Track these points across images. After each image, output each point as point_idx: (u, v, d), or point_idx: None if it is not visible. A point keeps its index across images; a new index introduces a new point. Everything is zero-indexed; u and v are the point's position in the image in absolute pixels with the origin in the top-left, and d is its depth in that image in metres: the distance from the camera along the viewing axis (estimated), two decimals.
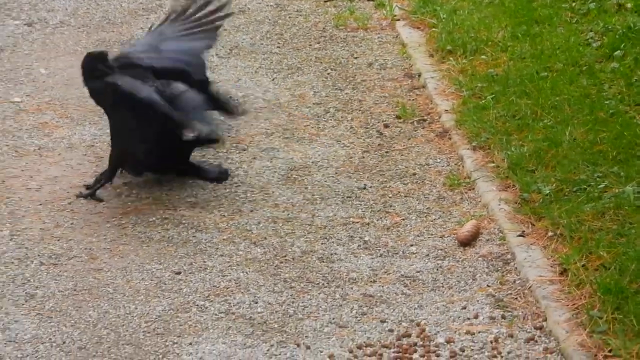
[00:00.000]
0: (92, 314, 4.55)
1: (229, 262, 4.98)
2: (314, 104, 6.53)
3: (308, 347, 4.36)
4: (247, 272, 4.89)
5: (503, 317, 4.53)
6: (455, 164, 5.81)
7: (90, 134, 6.09)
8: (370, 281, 4.85)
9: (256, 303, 4.66)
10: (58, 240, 5.10)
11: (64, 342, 4.37)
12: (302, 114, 6.40)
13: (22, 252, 4.99)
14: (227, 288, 4.78)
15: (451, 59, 6.82)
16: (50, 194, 5.49)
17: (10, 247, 5.03)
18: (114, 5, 7.88)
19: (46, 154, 5.89)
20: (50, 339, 4.39)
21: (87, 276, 4.83)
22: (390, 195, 5.56)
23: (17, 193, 5.50)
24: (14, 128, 6.15)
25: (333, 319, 4.56)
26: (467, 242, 5.11)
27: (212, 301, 4.67)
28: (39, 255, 4.97)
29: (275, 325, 4.52)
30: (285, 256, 5.03)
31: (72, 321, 4.51)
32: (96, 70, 5.39)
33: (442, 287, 4.79)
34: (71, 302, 4.63)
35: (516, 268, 4.85)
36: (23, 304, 4.62)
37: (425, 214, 5.39)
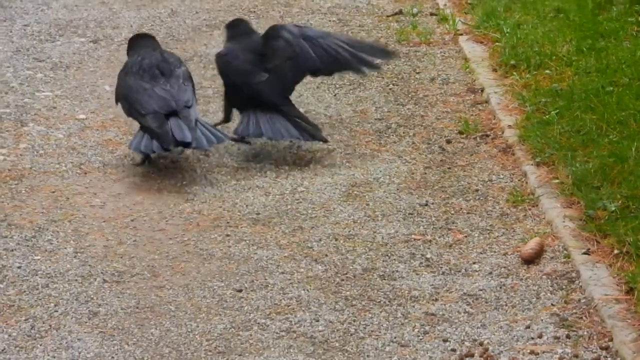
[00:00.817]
0: (154, 332, 4.57)
1: (290, 279, 4.97)
2: (375, 119, 6.51)
3: None
4: (308, 290, 4.88)
5: (568, 336, 4.46)
6: (518, 180, 5.75)
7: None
8: (432, 299, 4.81)
9: (317, 321, 4.65)
10: (121, 257, 5.14)
11: None
12: (363, 129, 6.38)
13: (86, 270, 5.03)
14: (288, 306, 4.77)
15: (515, 73, 6.76)
16: (113, 211, 5.54)
17: (74, 265, 5.07)
18: (178, 22, 7.95)
19: (110, 171, 5.94)
20: (112, 357, 4.42)
21: (149, 294, 4.85)
22: (452, 212, 5.52)
23: (81, 210, 5.55)
24: (79, 145, 6.21)
25: (395, 338, 4.53)
26: (531, 260, 5.04)
27: (273, 319, 4.66)
28: (102, 272, 5.01)
29: (337, 344, 4.50)
30: (346, 274, 5.02)
31: (135, 339, 4.53)
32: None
33: (506, 305, 4.74)
34: (133, 320, 4.66)
35: (581, 286, 4.78)
36: (86, 322, 4.65)
37: (488, 231, 5.34)
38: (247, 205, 5.60)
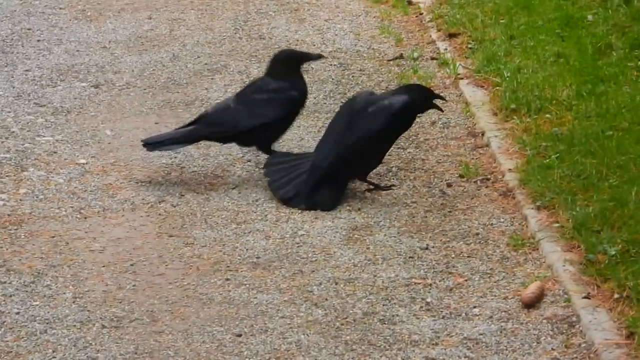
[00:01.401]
0: None
1: (289, 324, 4.95)
2: None
3: None
4: (308, 335, 4.86)
5: None
6: (519, 224, 5.74)
7: (154, 195, 6.14)
8: (433, 344, 4.79)
9: None
10: (120, 302, 5.12)
11: None
12: None
13: (85, 315, 5.02)
14: (288, 351, 4.75)
15: (515, 117, 6.77)
16: (113, 255, 5.53)
17: (72, 310, 5.06)
18: (179, 66, 7.99)
19: (110, 215, 5.94)
20: None
21: (148, 339, 4.83)
22: (452, 256, 5.51)
23: (81, 255, 5.55)
24: (79, 189, 6.22)
25: None
26: (532, 304, 5.03)
27: None
28: (101, 318, 5.00)
29: None
30: (346, 318, 5.00)
31: None
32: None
33: (506, 350, 4.71)
34: None
35: (581, 331, 4.76)
36: None
37: (489, 275, 5.32)
38: (247, 249, 5.59)
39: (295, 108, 6.42)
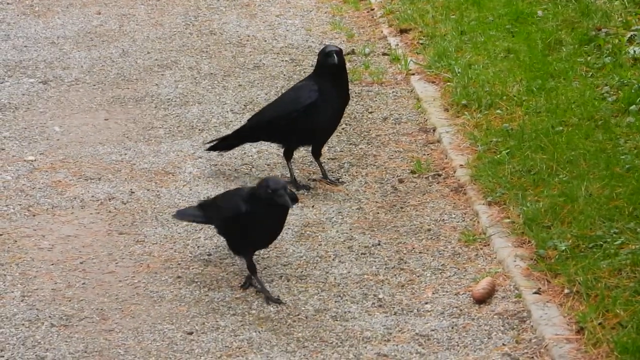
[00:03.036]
0: None
1: (241, 321, 4.93)
2: (328, 159, 6.50)
3: None
4: (259, 332, 4.84)
5: None
6: (470, 220, 5.76)
7: (104, 192, 6.08)
8: (385, 340, 4.79)
9: None
10: (69, 300, 5.07)
11: None
12: (316, 169, 6.36)
13: (33, 314, 4.96)
14: (240, 348, 4.72)
15: (466, 113, 6.79)
16: (62, 253, 5.47)
17: (21, 309, 4.99)
18: (129, 62, 7.91)
19: (59, 212, 5.87)
20: None
21: (98, 337, 4.78)
22: (404, 252, 5.51)
23: (29, 253, 5.48)
24: (27, 187, 6.14)
25: None
26: (483, 300, 5.04)
27: None
28: (49, 316, 4.94)
29: None
30: (298, 315, 4.98)
31: None
32: None
33: (457, 346, 4.72)
34: None
35: (532, 326, 4.78)
36: None
37: (440, 271, 5.33)
38: (198, 247, 5.55)
39: None
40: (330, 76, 5.99)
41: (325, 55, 5.93)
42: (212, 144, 6.35)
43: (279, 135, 6.16)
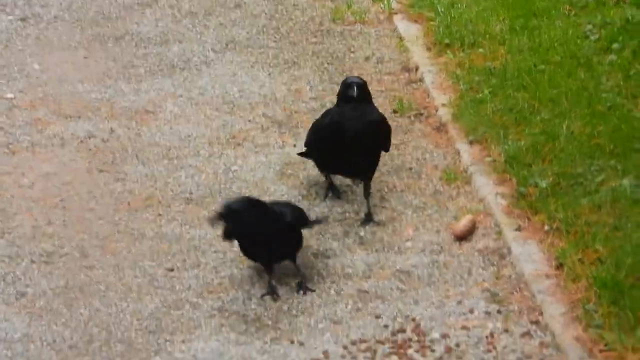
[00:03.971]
0: (84, 312, 4.51)
1: (222, 258, 4.93)
2: (310, 98, 6.47)
3: (302, 344, 4.32)
4: (240, 269, 4.84)
5: (499, 312, 4.48)
6: (452, 158, 5.76)
7: (83, 129, 6.04)
8: (365, 277, 4.80)
9: (250, 300, 4.62)
10: (50, 237, 5.05)
11: (54, 341, 4.33)
12: (298, 108, 6.34)
13: (14, 250, 4.95)
14: (221, 285, 4.73)
15: (449, 52, 6.76)
16: (42, 191, 5.45)
17: (1, 245, 4.98)
18: (109, 0, 7.82)
19: (39, 150, 5.84)
20: (41, 337, 4.35)
21: (78, 274, 4.78)
22: (386, 190, 5.51)
23: (9, 190, 5.45)
24: (7, 124, 6.10)
25: (327, 315, 4.52)
26: (463, 237, 5.06)
27: (205, 298, 4.62)
28: (30, 253, 4.93)
29: (269, 322, 4.47)
30: None
31: (63, 320, 4.46)
32: None
33: (438, 282, 4.74)
34: (62, 300, 4.59)
35: (512, 263, 4.80)
36: (13, 303, 4.57)
37: (422, 209, 5.34)
38: (179, 185, 5.54)
39: None
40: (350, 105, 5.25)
41: (346, 87, 5.29)
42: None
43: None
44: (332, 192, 5.44)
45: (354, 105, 5.20)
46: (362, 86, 5.27)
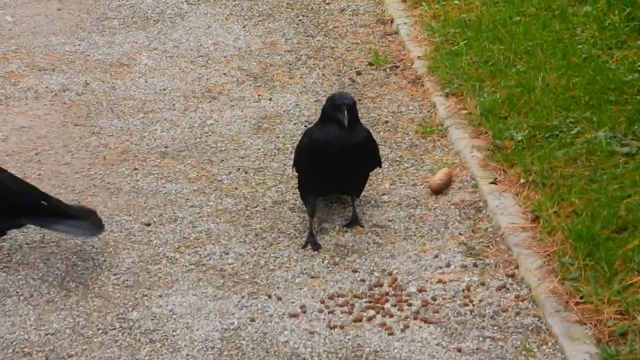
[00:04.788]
0: (60, 267, 4.50)
1: (199, 213, 4.92)
2: (285, 51, 6.44)
3: (279, 298, 4.33)
4: (217, 224, 4.84)
5: (475, 265, 4.50)
6: (427, 111, 5.76)
7: (58, 82, 5.99)
8: (342, 231, 4.81)
9: (227, 254, 4.62)
10: None
11: (31, 296, 4.32)
12: (273, 61, 6.32)
13: None
14: (198, 239, 4.73)
15: (424, 4, 6.74)
16: (17, 144, 5.41)
17: None
18: None
19: (13, 103, 5.79)
20: (17, 292, 4.34)
21: None
22: None
23: None
24: None
25: (305, 269, 4.53)
26: (440, 190, 5.07)
27: (182, 253, 4.62)
28: None
29: (247, 277, 4.48)
30: (256, 207, 4.98)
31: (40, 274, 4.45)
32: None
33: (414, 236, 4.76)
34: (39, 254, 4.58)
35: (488, 216, 4.82)
36: None
37: (398, 163, 5.34)
38: (155, 139, 5.51)
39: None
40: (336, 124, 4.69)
41: (334, 107, 4.69)
42: None
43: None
44: (312, 245, 4.72)
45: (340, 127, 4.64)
46: (352, 107, 4.68)
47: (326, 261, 4.58)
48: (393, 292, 4.35)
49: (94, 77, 6.07)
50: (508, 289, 4.33)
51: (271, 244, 4.71)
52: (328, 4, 7.04)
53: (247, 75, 6.14)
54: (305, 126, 5.64)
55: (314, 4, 7.02)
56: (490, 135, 5.30)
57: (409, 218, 4.88)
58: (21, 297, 4.32)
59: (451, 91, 5.77)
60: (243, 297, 4.34)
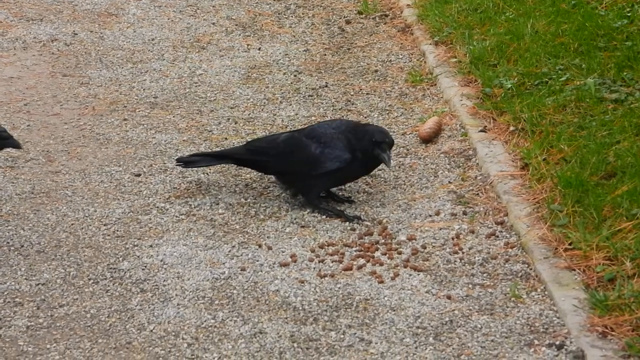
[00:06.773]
0: (51, 217, 4.50)
1: None
2: (274, 0, 6.41)
3: (270, 248, 4.34)
4: (207, 174, 4.84)
5: (464, 213, 4.51)
6: (417, 60, 5.74)
7: (46, 33, 5.96)
8: None
9: (217, 205, 4.62)
10: None
11: (22, 246, 4.32)
12: (262, 10, 6.28)
13: None
14: (188, 190, 4.73)
15: None
16: (5, 95, 5.39)
17: None
18: None
19: (1, 54, 5.76)
20: (8, 242, 4.34)
21: (44, 179, 4.76)
22: (352, 93, 5.50)
23: None
24: None
25: (295, 219, 4.54)
26: (429, 139, 5.07)
27: (172, 203, 4.63)
28: None
29: (237, 227, 4.49)
30: None
31: (30, 224, 4.46)
32: None
33: (404, 184, 4.77)
34: (29, 205, 4.58)
35: (478, 164, 4.83)
36: None
37: (387, 111, 5.34)
38: (144, 89, 5.50)
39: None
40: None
41: (375, 144, 4.48)
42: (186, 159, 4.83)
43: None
44: (352, 219, 4.54)
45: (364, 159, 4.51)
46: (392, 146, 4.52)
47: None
48: (383, 240, 4.37)
49: (82, 27, 6.03)
50: (497, 237, 4.34)
51: (261, 193, 4.71)
52: None
53: (236, 25, 6.12)
54: (295, 76, 5.63)
55: None
56: (480, 84, 5.30)
57: (399, 167, 4.89)
58: (12, 248, 4.32)
59: (440, 39, 5.76)
60: (233, 246, 4.35)
